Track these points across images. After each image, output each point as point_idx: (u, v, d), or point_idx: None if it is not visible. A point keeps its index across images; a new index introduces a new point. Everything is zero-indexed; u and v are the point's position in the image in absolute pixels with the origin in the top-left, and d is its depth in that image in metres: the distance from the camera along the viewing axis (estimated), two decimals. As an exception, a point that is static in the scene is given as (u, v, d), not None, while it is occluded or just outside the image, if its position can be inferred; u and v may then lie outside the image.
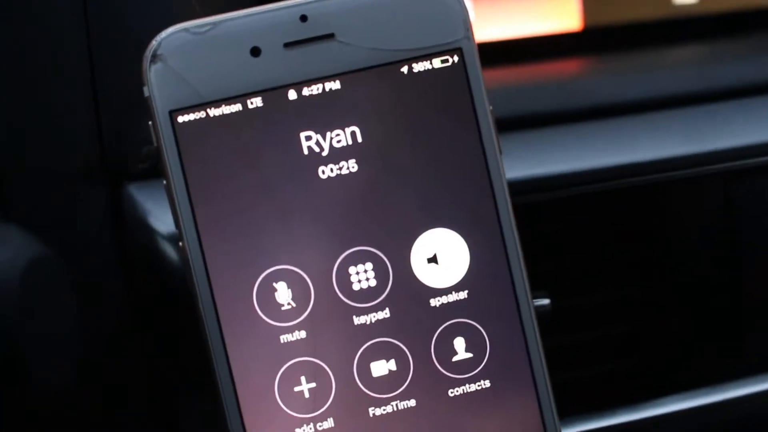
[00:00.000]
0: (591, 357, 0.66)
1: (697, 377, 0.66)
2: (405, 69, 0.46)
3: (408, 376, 0.46)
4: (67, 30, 0.57)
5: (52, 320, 0.56)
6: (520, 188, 0.58)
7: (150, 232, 0.57)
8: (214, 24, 0.45)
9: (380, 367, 0.46)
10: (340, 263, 0.46)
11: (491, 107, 0.47)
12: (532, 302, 0.47)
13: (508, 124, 0.63)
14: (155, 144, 0.45)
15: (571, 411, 0.62)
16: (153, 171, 0.58)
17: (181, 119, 0.45)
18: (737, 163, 0.64)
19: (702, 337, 0.67)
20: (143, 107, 0.45)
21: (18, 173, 0.57)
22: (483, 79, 0.47)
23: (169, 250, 0.56)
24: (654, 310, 0.66)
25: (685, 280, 0.66)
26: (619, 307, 0.66)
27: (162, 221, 0.56)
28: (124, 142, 0.58)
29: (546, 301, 0.51)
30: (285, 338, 0.45)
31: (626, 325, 0.66)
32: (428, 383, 0.46)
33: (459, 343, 0.46)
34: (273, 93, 0.45)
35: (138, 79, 0.45)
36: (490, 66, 0.71)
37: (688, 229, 0.66)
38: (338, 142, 0.46)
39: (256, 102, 0.45)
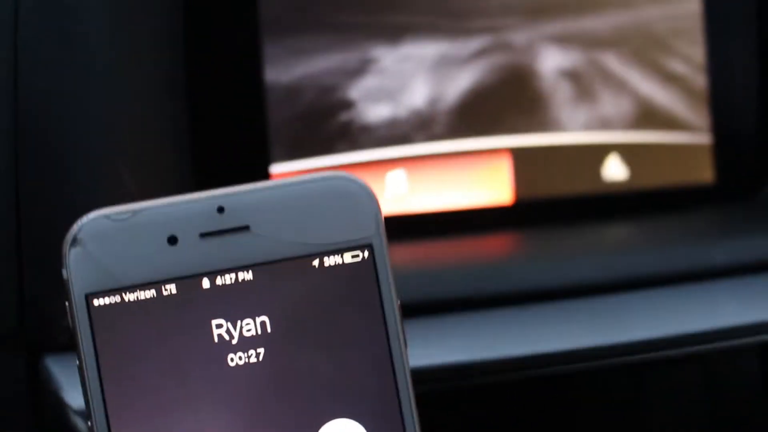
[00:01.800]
0: None
1: None
2: (316, 262, 0.48)
3: None
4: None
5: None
6: (434, 375, 0.60)
7: (62, 405, 0.58)
8: (134, 212, 0.47)
9: None
10: None
11: (399, 301, 0.48)
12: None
13: (428, 308, 0.65)
14: (70, 325, 0.46)
15: None
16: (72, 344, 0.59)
17: (96, 302, 0.46)
18: (649, 355, 0.66)
19: None
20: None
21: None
22: (391, 274, 0.48)
23: (81, 425, 0.57)
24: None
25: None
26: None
27: (74, 397, 0.57)
28: (44, 313, 0.60)
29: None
30: None
31: None
32: None
33: None
34: (187, 281, 0.47)
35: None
36: (421, 238, 0.73)
37: (601, 419, 0.67)
38: (248, 330, 0.47)
39: (171, 289, 0.47)
